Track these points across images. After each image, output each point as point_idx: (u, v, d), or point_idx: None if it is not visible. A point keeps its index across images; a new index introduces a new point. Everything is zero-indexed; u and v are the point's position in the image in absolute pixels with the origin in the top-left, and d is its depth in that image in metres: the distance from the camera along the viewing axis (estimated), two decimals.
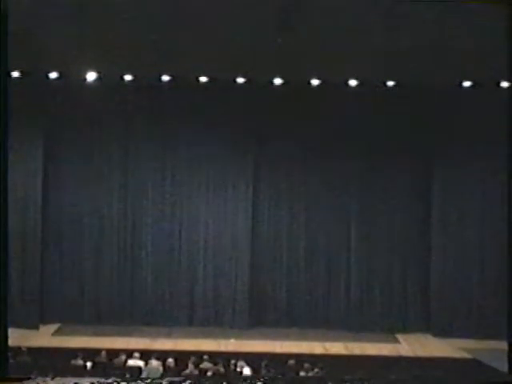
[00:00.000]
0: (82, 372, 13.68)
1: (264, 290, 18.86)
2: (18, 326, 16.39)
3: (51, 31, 13.68)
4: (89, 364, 14.32)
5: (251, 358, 14.82)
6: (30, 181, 18.08)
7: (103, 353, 15.00)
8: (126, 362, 14.60)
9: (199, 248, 18.80)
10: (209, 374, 13.95)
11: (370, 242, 18.70)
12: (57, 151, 18.51)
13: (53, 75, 16.86)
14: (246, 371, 14.21)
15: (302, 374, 13.86)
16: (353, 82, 16.98)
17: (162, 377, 13.24)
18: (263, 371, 14.14)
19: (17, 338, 15.14)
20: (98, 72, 16.61)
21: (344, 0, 12.96)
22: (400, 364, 15.46)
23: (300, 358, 15.05)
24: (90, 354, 14.92)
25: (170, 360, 14.55)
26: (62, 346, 16.30)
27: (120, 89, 17.57)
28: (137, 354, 14.69)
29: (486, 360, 15.33)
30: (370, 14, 13.03)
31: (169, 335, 17.62)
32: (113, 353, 14.99)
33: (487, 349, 16.32)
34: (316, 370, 14.02)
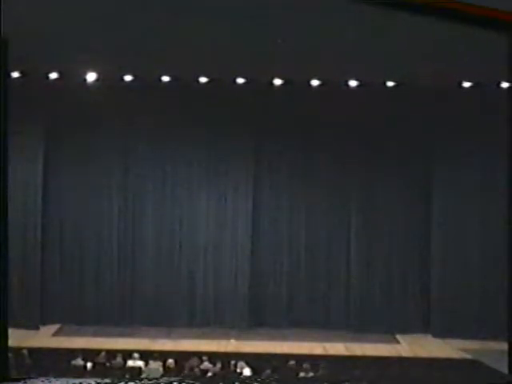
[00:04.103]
0: (82, 372, 13.69)
1: (264, 290, 18.86)
2: (19, 326, 16.38)
3: (51, 31, 13.66)
4: (89, 364, 14.34)
5: (251, 359, 14.82)
6: (30, 181, 18.08)
7: (103, 353, 15.01)
8: (126, 362, 14.60)
9: (199, 248, 18.79)
10: (209, 374, 13.95)
11: (369, 241, 18.69)
12: (57, 151, 18.51)
13: (53, 75, 16.86)
14: (246, 372, 14.21)
15: (301, 374, 13.85)
16: (353, 82, 16.98)
17: (162, 377, 13.24)
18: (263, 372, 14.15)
19: (17, 338, 15.12)
20: (98, 72, 16.61)
21: (344, 0, 12.95)
22: (400, 364, 15.45)
23: (300, 359, 15.04)
24: (90, 354, 14.92)
25: (170, 360, 14.55)
26: (63, 346, 16.29)
27: (120, 89, 17.57)
28: (137, 355, 14.70)
29: (486, 361, 15.32)
30: (370, 14, 13.02)
31: (169, 335, 17.61)
32: (113, 353, 14.99)
33: (487, 349, 16.30)
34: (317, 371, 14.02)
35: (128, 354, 14.83)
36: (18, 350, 14.47)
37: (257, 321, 18.57)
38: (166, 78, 17.11)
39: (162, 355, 14.87)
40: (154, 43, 14.09)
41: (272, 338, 17.48)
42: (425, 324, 18.57)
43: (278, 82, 17.13)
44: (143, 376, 13.76)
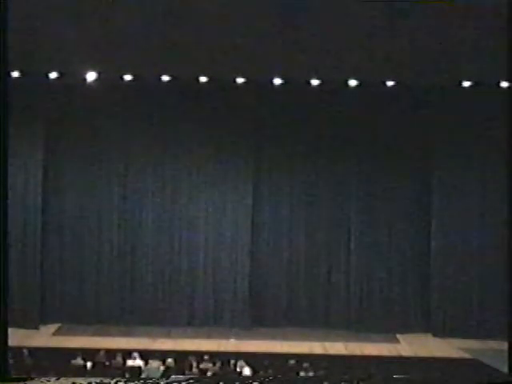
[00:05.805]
0: (82, 372, 13.70)
1: (264, 290, 18.86)
2: (19, 326, 16.40)
3: (51, 31, 13.67)
4: (89, 364, 14.35)
5: (251, 358, 14.83)
6: (30, 181, 18.07)
7: (103, 353, 15.01)
8: (125, 361, 14.60)
9: (199, 248, 18.79)
10: (209, 373, 13.96)
11: (370, 242, 18.68)
12: (57, 151, 18.51)
13: (53, 75, 16.86)
14: (246, 371, 14.22)
15: (301, 374, 13.86)
16: (353, 82, 16.98)
17: (162, 377, 13.25)
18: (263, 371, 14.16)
19: (17, 338, 15.13)
20: (98, 72, 16.62)
21: (344, 0, 12.97)
22: (400, 364, 15.45)
23: (300, 358, 15.04)
24: (90, 354, 14.93)
25: (170, 360, 14.56)
26: (62, 346, 16.30)
27: (120, 89, 17.57)
28: (136, 354, 14.70)
29: (485, 360, 15.33)
30: (371, 14, 13.03)
31: (169, 335, 17.62)
32: (113, 353, 15.00)
33: (487, 349, 16.32)
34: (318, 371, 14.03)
35: (128, 354, 14.84)
36: (17, 350, 14.48)
37: (257, 321, 18.57)
38: (165, 78, 17.10)
39: (162, 355, 14.87)
40: (154, 43, 14.10)
41: (272, 337, 17.49)
42: (425, 323, 18.57)
43: (277, 81, 17.12)
44: (143, 376, 13.77)
